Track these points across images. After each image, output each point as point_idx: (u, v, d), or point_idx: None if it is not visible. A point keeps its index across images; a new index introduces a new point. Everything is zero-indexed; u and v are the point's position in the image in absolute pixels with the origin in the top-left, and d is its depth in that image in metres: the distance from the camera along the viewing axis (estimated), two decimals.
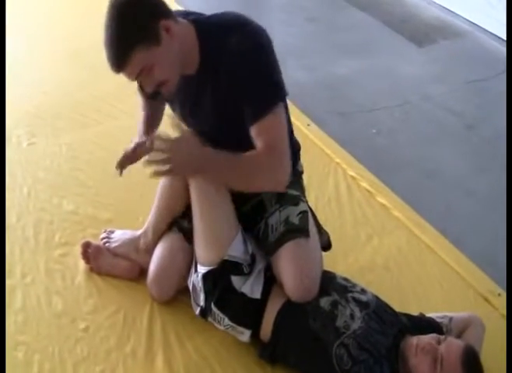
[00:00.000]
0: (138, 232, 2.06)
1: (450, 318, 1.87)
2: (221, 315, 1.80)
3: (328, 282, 1.84)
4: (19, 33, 3.63)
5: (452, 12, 4.33)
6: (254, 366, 1.83)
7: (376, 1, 4.54)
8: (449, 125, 3.16)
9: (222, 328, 1.85)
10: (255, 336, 1.81)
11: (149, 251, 2.01)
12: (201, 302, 1.83)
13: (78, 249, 2.12)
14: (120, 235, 2.11)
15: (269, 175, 1.70)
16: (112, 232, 2.15)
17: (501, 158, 2.68)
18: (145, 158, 1.62)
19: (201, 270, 1.82)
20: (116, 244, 2.09)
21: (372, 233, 2.39)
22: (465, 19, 4.23)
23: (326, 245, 2.00)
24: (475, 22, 4.16)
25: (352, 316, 1.72)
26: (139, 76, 1.61)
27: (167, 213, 1.98)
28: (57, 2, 4.10)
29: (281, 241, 1.80)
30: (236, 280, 1.79)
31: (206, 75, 1.70)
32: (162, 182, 1.98)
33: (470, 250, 2.31)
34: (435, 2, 4.43)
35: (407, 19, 4.30)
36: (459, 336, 1.82)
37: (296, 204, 1.86)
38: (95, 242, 2.12)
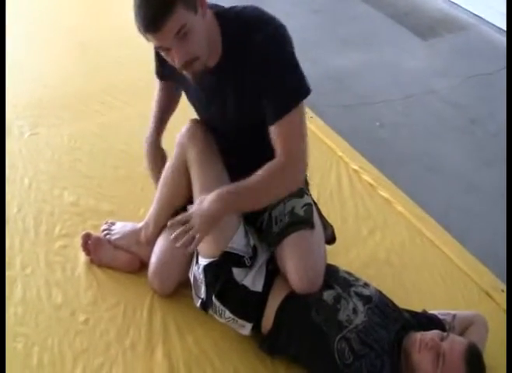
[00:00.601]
0: (139, 225, 2.06)
1: (454, 316, 1.86)
2: (222, 307, 1.79)
3: (331, 275, 1.83)
4: (21, 25, 3.62)
5: (456, 4, 4.31)
6: (254, 359, 1.83)
7: None
8: (452, 119, 3.15)
9: (223, 321, 1.84)
10: (256, 329, 1.80)
11: (150, 244, 2.00)
12: (202, 294, 1.82)
13: (78, 241, 2.11)
14: (121, 228, 2.10)
15: (289, 183, 1.73)
16: (113, 224, 2.13)
17: (505, 153, 2.66)
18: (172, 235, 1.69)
19: (202, 262, 1.81)
20: (117, 236, 2.08)
21: (374, 227, 2.38)
22: (470, 11, 4.21)
23: (330, 239, 2.00)
24: (480, 15, 4.14)
25: (354, 310, 1.71)
26: (175, 38, 1.52)
27: (168, 206, 1.97)
28: None
29: (285, 232, 1.79)
30: (237, 272, 1.78)
31: (227, 71, 1.69)
32: (163, 175, 1.96)
33: (473, 245, 2.30)
34: None
35: (410, 12, 4.28)
36: (462, 333, 1.81)
37: (301, 196, 1.86)
38: (95, 233, 2.11)
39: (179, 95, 2.04)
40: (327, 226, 1.98)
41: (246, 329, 1.81)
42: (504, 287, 2.14)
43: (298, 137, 1.67)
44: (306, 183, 1.99)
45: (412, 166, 2.79)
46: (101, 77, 3.06)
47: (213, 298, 1.79)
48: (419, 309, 1.91)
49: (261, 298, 1.78)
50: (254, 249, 1.83)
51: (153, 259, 1.96)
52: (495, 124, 3.02)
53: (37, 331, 1.88)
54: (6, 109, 2.56)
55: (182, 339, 1.88)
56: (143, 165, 2.06)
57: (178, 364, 1.80)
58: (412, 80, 3.48)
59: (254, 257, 1.82)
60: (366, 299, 1.76)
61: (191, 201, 1.87)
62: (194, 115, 1.95)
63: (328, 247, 1.99)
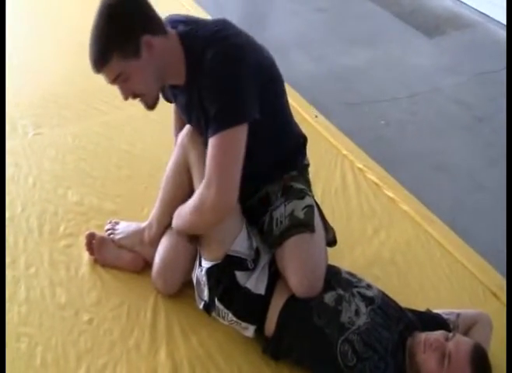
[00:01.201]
0: (143, 224, 2.05)
1: (458, 315, 1.85)
2: (225, 310, 1.79)
3: (333, 277, 1.82)
4: (24, 24, 3.62)
5: (462, 2, 4.29)
6: (259, 360, 1.82)
7: None
8: (458, 117, 3.13)
9: (226, 323, 1.83)
10: (260, 331, 1.79)
11: (154, 244, 2.00)
12: (205, 297, 1.82)
13: (82, 241, 2.10)
14: (124, 227, 2.10)
15: (205, 212, 1.67)
16: (117, 223, 2.13)
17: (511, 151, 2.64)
18: None
19: (205, 264, 1.80)
20: (120, 236, 2.07)
21: (379, 226, 2.36)
22: (475, 9, 4.19)
23: (331, 242, 1.98)
24: (485, 13, 4.12)
25: (357, 312, 1.70)
26: (115, 82, 1.63)
27: (171, 206, 1.95)
28: None
29: (285, 235, 1.78)
30: (240, 275, 1.77)
31: (192, 88, 1.69)
32: (166, 174, 1.96)
33: (479, 244, 2.29)
34: None
35: (416, 10, 4.26)
36: (466, 333, 1.80)
37: (302, 198, 1.84)
38: (99, 233, 2.10)
39: None
40: (328, 229, 1.96)
41: (249, 331, 1.81)
42: None
43: (217, 165, 1.60)
44: (309, 183, 1.97)
45: (417, 165, 2.77)
46: None
47: (216, 300, 1.79)
48: (423, 308, 1.90)
49: (264, 301, 1.77)
50: (257, 251, 1.82)
51: (157, 259, 1.95)
52: (501, 122, 2.99)
53: (41, 331, 1.87)
54: (10, 109, 2.55)
55: (186, 340, 1.87)
56: (147, 164, 2.05)
57: (182, 365, 1.80)
58: (417, 78, 3.46)
59: (256, 259, 1.81)
60: (369, 300, 1.74)
61: None
62: None
63: (333, 246, 1.98)
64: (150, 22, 1.60)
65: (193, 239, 1.86)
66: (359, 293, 1.76)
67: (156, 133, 2.69)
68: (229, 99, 1.59)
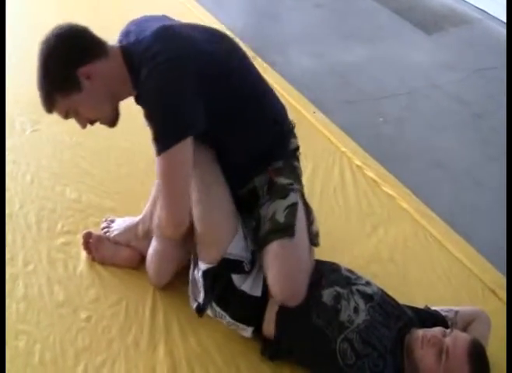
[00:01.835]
0: (137, 219, 2.05)
1: (456, 312, 1.85)
2: (222, 312, 1.79)
3: (332, 274, 1.81)
4: (22, 24, 3.62)
5: None
6: (257, 357, 1.82)
7: None
8: (457, 114, 3.12)
9: (224, 323, 1.83)
10: (258, 331, 1.79)
11: (148, 237, 2.01)
12: (200, 299, 1.81)
13: (80, 238, 2.10)
14: (119, 224, 2.11)
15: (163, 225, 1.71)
16: (112, 221, 2.14)
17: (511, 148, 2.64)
18: None
19: (202, 266, 1.80)
20: (116, 232, 2.08)
21: (377, 224, 2.36)
22: (474, 5, 4.18)
23: (314, 242, 1.92)
24: (484, 9, 4.11)
25: (356, 309, 1.70)
26: (68, 117, 1.69)
27: None
28: None
29: (266, 240, 1.76)
30: (236, 278, 1.77)
31: (140, 103, 1.71)
32: None
33: (478, 242, 2.29)
34: None
35: (414, 6, 4.25)
36: (464, 330, 1.80)
37: (285, 197, 1.80)
38: (96, 232, 2.10)
39: None
40: (312, 227, 1.90)
41: (247, 332, 1.81)
42: None
43: (164, 186, 1.64)
44: (296, 172, 1.91)
45: (416, 162, 2.76)
46: None
47: (213, 303, 1.79)
48: (422, 305, 1.90)
49: (261, 302, 1.77)
50: (253, 252, 1.81)
51: (150, 250, 1.97)
52: (500, 119, 2.99)
53: (39, 328, 1.87)
54: (8, 106, 2.54)
55: (184, 337, 1.87)
56: (145, 160, 2.05)
57: (180, 362, 1.80)
58: (416, 75, 3.45)
59: (253, 261, 1.80)
60: (368, 297, 1.74)
61: None
62: None
63: (330, 243, 1.98)
64: (85, 52, 1.61)
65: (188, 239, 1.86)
66: (358, 290, 1.75)
67: None
68: (163, 120, 1.59)
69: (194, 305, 1.84)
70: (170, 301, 1.97)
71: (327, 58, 3.57)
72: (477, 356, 1.62)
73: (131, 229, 2.05)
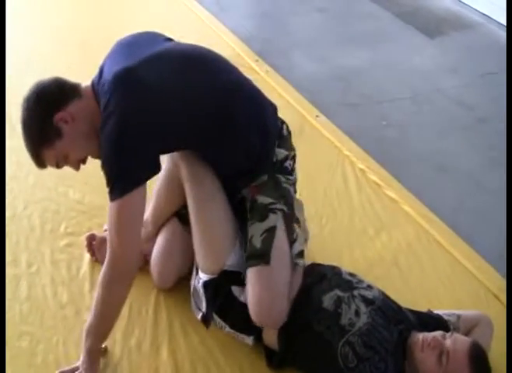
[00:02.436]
0: None
1: (458, 316, 1.85)
2: (222, 323, 1.80)
3: (333, 277, 1.81)
4: (24, 23, 3.63)
5: (463, 3, 4.29)
6: (260, 359, 1.81)
7: None
8: (460, 118, 3.13)
9: (225, 332, 1.84)
10: (258, 339, 1.80)
11: (151, 240, 2.02)
12: (204, 308, 1.82)
13: (84, 240, 2.11)
14: None
15: (117, 281, 1.66)
16: None
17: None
18: None
19: (202, 276, 1.80)
20: None
21: (380, 227, 2.36)
22: (476, 10, 4.19)
23: (295, 262, 1.84)
24: (486, 14, 4.12)
25: (357, 313, 1.69)
26: (60, 166, 1.73)
27: (164, 211, 2.00)
28: None
29: (246, 263, 1.76)
30: (235, 288, 1.77)
31: None
32: (157, 184, 1.96)
33: (481, 246, 2.29)
34: None
35: (417, 11, 4.26)
36: (467, 334, 1.80)
37: (263, 219, 1.77)
38: (100, 234, 2.10)
39: None
40: (294, 247, 1.83)
41: (248, 340, 1.81)
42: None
43: (114, 232, 1.62)
44: (279, 186, 1.84)
45: (419, 166, 2.77)
46: None
47: (213, 314, 1.79)
48: (424, 309, 1.89)
49: None
50: None
51: (154, 251, 1.99)
52: (503, 123, 2.99)
53: (42, 329, 1.88)
54: (11, 107, 2.55)
55: (187, 338, 1.87)
56: None
57: (183, 363, 1.80)
58: (419, 79, 3.46)
59: None
60: (369, 301, 1.74)
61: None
62: None
63: (334, 246, 1.97)
64: (55, 101, 1.64)
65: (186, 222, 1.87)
66: (359, 294, 1.75)
67: None
68: (111, 173, 1.60)
69: (199, 316, 1.84)
70: (172, 302, 1.97)
71: (330, 62, 3.58)
72: (477, 358, 1.62)
73: None
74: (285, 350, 1.74)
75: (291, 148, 1.93)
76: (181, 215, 1.97)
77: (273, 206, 1.79)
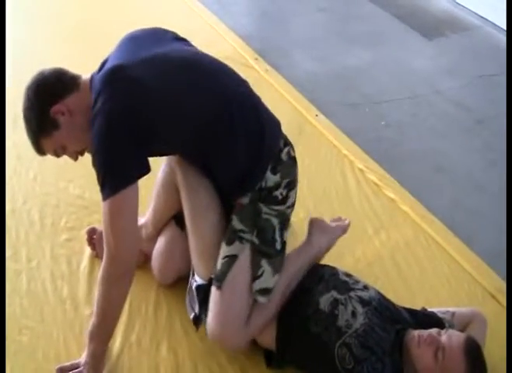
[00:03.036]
0: (140, 222, 2.03)
1: (453, 314, 1.87)
2: None
3: (330, 278, 1.82)
4: (24, 21, 3.63)
5: (461, 5, 4.30)
6: (260, 356, 1.82)
7: None
8: (458, 119, 3.14)
9: None
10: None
11: (152, 240, 2.03)
12: (196, 309, 1.82)
13: (84, 234, 2.11)
14: None
15: (116, 280, 1.65)
16: None
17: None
18: None
19: (197, 279, 1.81)
20: None
21: (379, 227, 2.37)
22: (474, 12, 4.21)
23: (254, 298, 1.77)
24: (484, 17, 4.14)
25: (353, 313, 1.70)
26: (59, 155, 1.74)
27: (163, 214, 2.00)
28: None
29: None
30: None
31: None
32: (155, 187, 1.97)
33: (478, 246, 2.30)
34: None
35: (416, 12, 4.28)
36: (461, 331, 1.81)
37: (230, 243, 1.73)
38: (101, 228, 2.10)
39: None
40: (255, 283, 1.75)
41: None
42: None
43: (109, 231, 1.61)
44: (254, 222, 1.75)
45: (417, 166, 2.78)
46: None
47: (204, 317, 1.79)
48: (418, 308, 1.91)
49: None
50: None
51: (155, 249, 2.00)
52: (500, 125, 3.01)
53: (43, 324, 1.88)
54: (12, 102, 2.54)
55: (187, 335, 1.88)
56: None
57: (184, 360, 1.81)
58: (418, 80, 3.47)
59: None
60: (366, 302, 1.74)
61: None
62: None
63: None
64: (53, 92, 1.65)
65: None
66: (355, 295, 1.76)
67: None
68: (103, 171, 1.58)
69: (192, 315, 1.84)
70: (173, 299, 1.98)
71: (329, 62, 3.59)
72: (473, 353, 1.63)
73: None
74: (283, 352, 1.75)
75: (288, 175, 1.79)
76: (179, 219, 1.95)
77: (242, 234, 1.74)
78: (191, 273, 1.87)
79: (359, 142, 2.82)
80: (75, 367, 1.72)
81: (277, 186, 1.76)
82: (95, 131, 1.56)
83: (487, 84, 3.44)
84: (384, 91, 3.33)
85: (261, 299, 1.74)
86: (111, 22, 3.59)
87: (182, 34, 1.88)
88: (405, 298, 1.97)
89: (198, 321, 1.82)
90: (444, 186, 2.67)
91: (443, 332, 1.67)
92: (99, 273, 1.66)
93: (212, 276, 1.75)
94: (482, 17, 4.15)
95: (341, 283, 1.80)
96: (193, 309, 1.84)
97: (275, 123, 1.83)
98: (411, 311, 1.85)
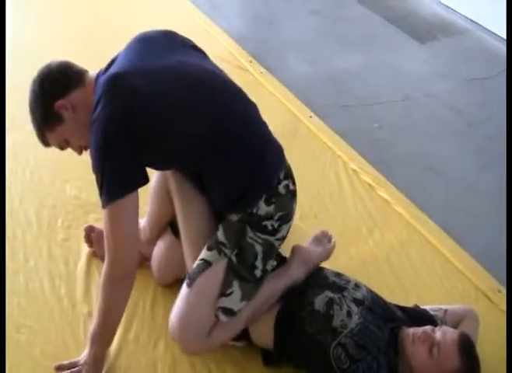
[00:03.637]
0: (140, 224, 2.02)
1: (445, 311, 1.90)
2: None
3: (323, 280, 1.84)
4: (24, 19, 3.63)
5: (452, 9, 4.34)
6: (257, 354, 1.84)
7: None
8: (451, 122, 3.17)
9: None
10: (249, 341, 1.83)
11: (151, 243, 2.04)
12: None
13: (81, 234, 2.13)
14: None
15: (117, 283, 1.67)
16: None
17: (503, 156, 2.68)
18: None
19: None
20: None
21: (373, 227, 2.40)
22: (465, 16, 4.24)
23: (216, 314, 1.75)
24: (475, 21, 4.18)
25: (348, 313, 1.72)
26: (62, 148, 1.76)
27: (160, 219, 2.01)
28: None
29: None
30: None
31: None
32: (150, 192, 1.97)
33: (471, 246, 2.33)
34: None
35: (407, 15, 4.31)
36: (454, 328, 1.83)
37: (209, 249, 1.73)
38: (98, 226, 2.12)
39: None
40: (222, 299, 1.73)
41: (239, 343, 1.85)
42: (500, 287, 2.17)
43: (109, 237, 1.62)
44: (237, 241, 1.72)
45: (410, 168, 2.81)
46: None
47: None
48: (410, 305, 1.93)
49: None
50: None
51: (153, 255, 2.02)
52: (492, 128, 3.05)
53: (40, 322, 1.89)
54: (8, 101, 2.55)
55: None
56: None
57: (181, 357, 1.82)
58: (410, 82, 3.50)
59: None
60: (359, 301, 1.76)
61: None
62: None
63: None
64: (57, 87, 1.66)
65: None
66: (349, 294, 1.78)
67: None
68: (101, 178, 1.58)
69: None
70: (170, 297, 1.96)
71: (322, 64, 3.61)
72: (467, 348, 1.65)
73: None
74: (280, 353, 1.77)
75: (283, 209, 1.75)
76: (173, 226, 1.94)
77: (222, 247, 1.72)
78: (187, 273, 1.88)
79: (352, 144, 2.85)
80: (74, 365, 1.73)
81: (269, 217, 1.73)
82: (92, 138, 1.56)
83: (477, 87, 3.47)
84: (376, 93, 3.36)
85: (222, 317, 1.73)
86: (101, 25, 3.61)
87: None
88: (398, 297, 1.99)
89: None
90: (437, 187, 2.69)
91: (437, 329, 1.69)
92: (101, 277, 1.67)
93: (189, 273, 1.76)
94: (472, 21, 4.19)
95: (333, 282, 1.82)
96: None
97: (278, 152, 1.81)
98: (403, 309, 1.87)
